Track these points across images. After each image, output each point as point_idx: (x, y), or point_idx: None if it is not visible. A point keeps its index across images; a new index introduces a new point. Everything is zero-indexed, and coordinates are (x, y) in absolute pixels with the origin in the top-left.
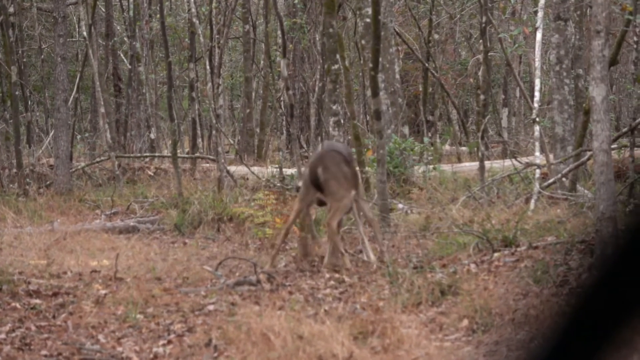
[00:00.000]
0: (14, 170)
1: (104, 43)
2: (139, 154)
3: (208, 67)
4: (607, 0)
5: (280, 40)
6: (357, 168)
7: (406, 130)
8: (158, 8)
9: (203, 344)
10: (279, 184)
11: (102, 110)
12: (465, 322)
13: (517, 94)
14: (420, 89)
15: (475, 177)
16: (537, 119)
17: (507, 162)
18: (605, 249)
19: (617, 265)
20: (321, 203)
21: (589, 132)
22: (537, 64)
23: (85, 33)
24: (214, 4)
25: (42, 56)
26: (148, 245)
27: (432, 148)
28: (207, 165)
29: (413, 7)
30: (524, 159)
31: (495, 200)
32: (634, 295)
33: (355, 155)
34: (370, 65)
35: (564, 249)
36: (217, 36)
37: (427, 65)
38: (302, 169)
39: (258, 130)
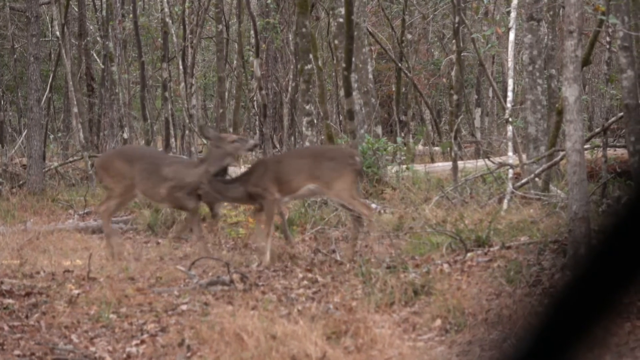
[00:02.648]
0: None
1: (76, 43)
2: None
3: (181, 66)
4: (580, 0)
5: (253, 40)
6: None
7: (379, 130)
8: (131, 8)
9: (176, 344)
10: None
11: (75, 109)
12: (438, 322)
13: (490, 94)
14: (394, 89)
15: (448, 177)
16: (510, 119)
17: (480, 162)
18: (578, 249)
19: (589, 265)
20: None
21: (561, 132)
22: (510, 64)
23: (58, 32)
24: (186, 4)
25: (15, 56)
26: (121, 245)
27: (405, 148)
28: None
29: (386, 7)
30: (497, 159)
31: (468, 200)
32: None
33: None
34: (344, 65)
35: (537, 249)
36: (190, 36)
37: (400, 65)
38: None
39: (231, 130)
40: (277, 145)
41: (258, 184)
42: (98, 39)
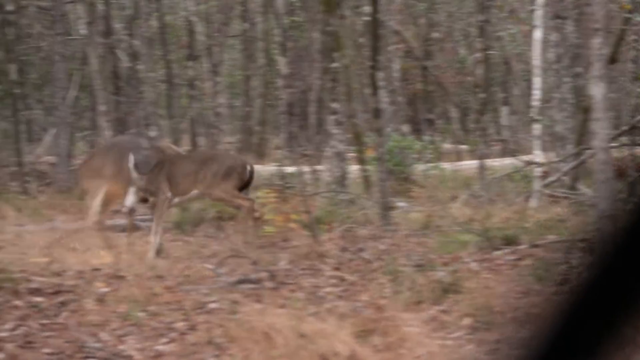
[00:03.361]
0: (15, 168)
1: (103, 41)
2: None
3: (207, 65)
4: None
5: (279, 39)
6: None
7: (406, 128)
8: (157, 6)
9: (205, 342)
10: (279, 182)
11: (102, 108)
12: (467, 320)
13: (517, 92)
14: (420, 87)
15: (475, 176)
16: (537, 118)
17: (507, 161)
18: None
19: (617, 264)
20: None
21: (588, 130)
22: (536, 62)
23: (84, 31)
24: (212, 2)
25: (42, 54)
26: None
27: (431, 146)
28: None
29: (412, 5)
30: (524, 157)
31: (495, 198)
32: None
33: (355, 154)
34: (370, 63)
35: (565, 247)
36: (216, 34)
37: (426, 63)
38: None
39: (258, 128)
40: (304, 144)
41: (153, 181)
42: (124, 37)
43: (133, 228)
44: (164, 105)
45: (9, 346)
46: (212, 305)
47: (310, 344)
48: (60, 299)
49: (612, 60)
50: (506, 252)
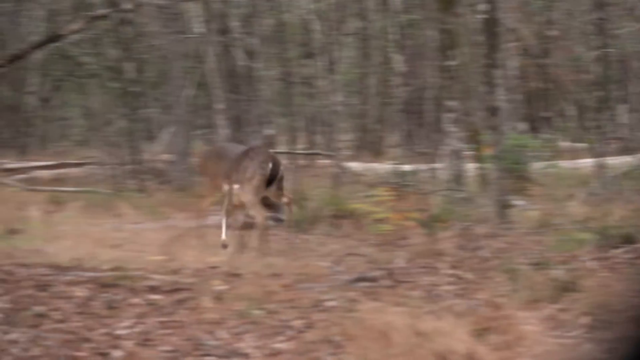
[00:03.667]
0: (132, 166)
1: (219, 39)
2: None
3: (324, 63)
4: None
5: (395, 37)
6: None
7: (523, 126)
8: (273, 4)
9: (322, 340)
10: (396, 180)
11: (219, 106)
12: (585, 318)
13: (635, 90)
14: (537, 85)
15: (593, 174)
16: None
17: (625, 158)
18: None
19: None
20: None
21: None
22: None
23: (201, 29)
24: (329, 0)
25: (158, 53)
26: (267, 241)
27: (549, 144)
28: (324, 161)
29: (528, 3)
30: None
31: (613, 196)
32: None
33: (472, 152)
34: (487, 61)
35: None
36: (332, 32)
37: (543, 61)
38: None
39: (375, 126)
40: (421, 142)
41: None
42: (241, 35)
43: (248, 226)
44: (280, 104)
45: (127, 344)
46: (329, 303)
47: (427, 342)
48: (178, 296)
49: None
50: (624, 250)
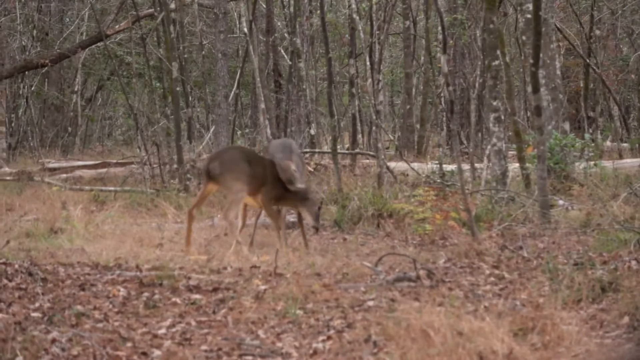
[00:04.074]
0: (175, 166)
1: (264, 39)
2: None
3: (368, 63)
4: None
5: (440, 36)
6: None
7: (567, 126)
8: (319, 4)
9: (362, 340)
10: (439, 180)
11: (263, 106)
12: (626, 319)
13: None
14: (581, 85)
15: (637, 174)
16: None
17: None
18: None
19: None
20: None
21: None
22: None
23: (245, 29)
24: (374, 0)
25: (203, 52)
26: (308, 240)
27: (593, 144)
28: (367, 161)
29: (574, 2)
30: None
31: None
32: None
33: (516, 152)
34: (531, 61)
35: None
36: (377, 32)
37: (588, 61)
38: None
39: (418, 126)
40: (465, 142)
41: None
42: (286, 35)
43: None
44: (325, 103)
45: (167, 343)
46: (370, 303)
47: (467, 342)
48: (219, 296)
49: None
50: None
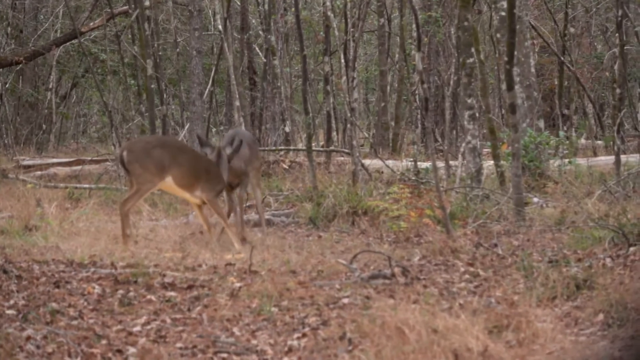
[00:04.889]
0: None
1: (239, 36)
2: (273, 147)
3: (343, 60)
4: None
5: (415, 34)
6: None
7: (541, 124)
8: (293, 1)
9: (337, 338)
10: (413, 178)
11: (237, 103)
12: (601, 316)
13: None
14: (556, 83)
15: (611, 171)
16: None
17: None
18: None
19: None
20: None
21: None
22: None
23: (220, 26)
24: None
25: (178, 49)
26: (282, 238)
27: (567, 142)
28: (342, 158)
29: (549, 0)
30: None
31: (631, 194)
32: None
33: (490, 149)
34: (506, 58)
35: None
36: (352, 29)
37: (562, 58)
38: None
39: (393, 123)
40: (439, 139)
41: None
42: (260, 32)
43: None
44: (299, 101)
45: (142, 340)
46: (345, 301)
47: (442, 339)
48: (194, 293)
49: None
50: None
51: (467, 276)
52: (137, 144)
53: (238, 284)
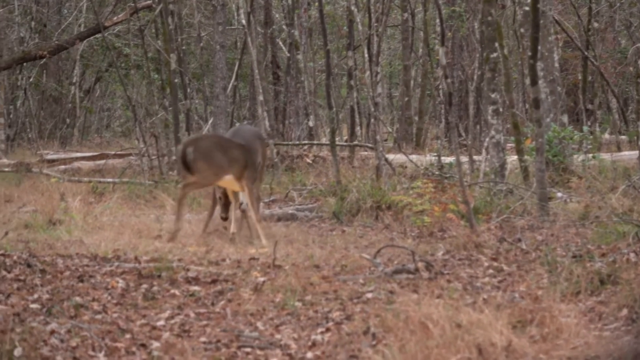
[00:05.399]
0: (173, 157)
1: (262, 31)
2: (297, 142)
3: (366, 55)
4: None
5: (438, 29)
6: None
7: (565, 118)
8: None
9: (361, 332)
10: (437, 173)
11: (261, 98)
12: (625, 311)
13: None
14: (580, 78)
15: (635, 166)
16: None
17: None
18: None
19: None
20: None
21: None
22: None
23: (244, 21)
24: None
25: (201, 44)
26: (306, 232)
27: (591, 137)
28: (366, 153)
29: None
30: None
31: None
32: None
33: (514, 144)
34: (529, 53)
35: None
36: (375, 24)
37: (586, 53)
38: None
39: (416, 118)
40: (463, 134)
41: None
42: (284, 27)
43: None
44: (323, 95)
45: (166, 334)
46: (369, 295)
47: (466, 334)
48: (218, 288)
49: None
50: None
51: (490, 271)
52: (202, 143)
53: (262, 279)
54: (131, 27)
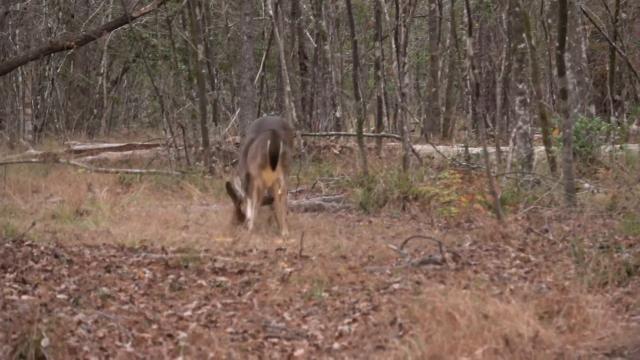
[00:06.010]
0: (201, 148)
1: (289, 21)
2: (324, 133)
3: (394, 45)
4: None
5: (466, 19)
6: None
7: (593, 109)
8: None
9: (388, 323)
10: (464, 163)
11: (288, 88)
12: None
13: None
14: (607, 68)
15: None
16: None
17: None
18: None
19: None
20: None
21: None
22: None
23: (271, 11)
24: None
25: (228, 35)
26: (333, 223)
27: (619, 127)
28: (393, 143)
29: None
30: None
31: None
32: None
33: (541, 135)
34: (557, 44)
35: None
36: (403, 15)
37: (614, 44)
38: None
39: (444, 109)
40: (490, 125)
41: None
42: (311, 17)
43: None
44: (350, 86)
45: (193, 325)
46: (396, 286)
47: (493, 325)
48: (244, 278)
49: None
50: None
51: (517, 262)
52: (280, 134)
53: (289, 269)
54: (159, 18)
